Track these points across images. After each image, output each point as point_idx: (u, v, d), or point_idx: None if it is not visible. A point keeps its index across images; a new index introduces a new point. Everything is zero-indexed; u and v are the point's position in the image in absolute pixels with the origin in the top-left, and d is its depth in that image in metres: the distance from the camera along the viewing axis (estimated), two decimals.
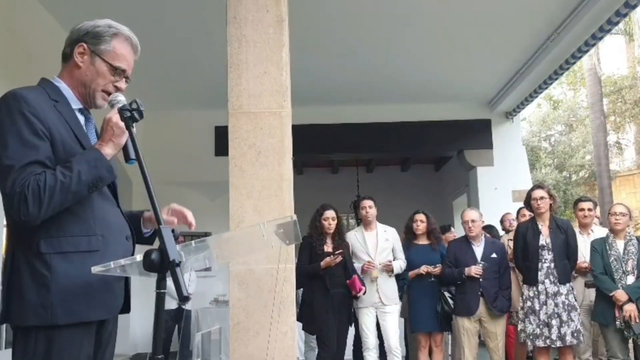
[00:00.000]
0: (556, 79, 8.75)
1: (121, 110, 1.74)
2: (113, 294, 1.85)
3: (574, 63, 8.21)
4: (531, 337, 4.74)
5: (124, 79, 1.93)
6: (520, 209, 6.04)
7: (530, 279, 4.80)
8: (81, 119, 1.91)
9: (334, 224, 5.19)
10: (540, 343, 4.70)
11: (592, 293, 5.10)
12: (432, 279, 5.42)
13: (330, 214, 5.20)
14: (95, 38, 1.89)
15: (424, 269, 5.39)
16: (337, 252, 5.05)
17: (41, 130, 1.71)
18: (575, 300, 4.80)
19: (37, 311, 1.68)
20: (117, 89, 1.91)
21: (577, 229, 5.33)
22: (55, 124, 1.76)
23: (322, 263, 5.00)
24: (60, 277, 1.70)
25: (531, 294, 4.78)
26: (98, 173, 1.73)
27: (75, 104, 1.90)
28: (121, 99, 1.84)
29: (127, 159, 1.78)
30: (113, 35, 1.91)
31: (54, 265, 1.70)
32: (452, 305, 5.29)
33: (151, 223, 2.04)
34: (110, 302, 1.85)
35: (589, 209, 5.33)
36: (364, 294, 5.12)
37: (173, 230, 1.58)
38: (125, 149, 1.78)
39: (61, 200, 1.68)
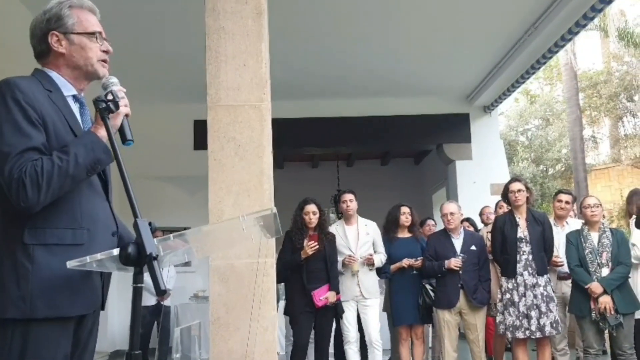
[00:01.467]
0: (533, 73, 8.83)
1: (96, 102, 1.73)
2: (94, 289, 1.83)
3: (551, 58, 8.28)
4: (511, 328, 4.79)
5: (105, 42, 1.94)
6: (498, 201, 6.12)
7: (509, 271, 4.85)
8: (75, 107, 1.90)
9: (315, 218, 5.17)
10: (519, 334, 4.75)
11: (564, 285, 5.20)
12: (414, 271, 5.46)
13: (311, 208, 5.18)
14: (58, 20, 1.88)
15: (405, 262, 5.42)
16: (311, 243, 5.03)
17: (35, 118, 1.71)
18: (553, 291, 4.87)
19: (16, 303, 1.65)
20: (106, 52, 1.93)
21: (552, 221, 5.42)
22: (49, 113, 1.76)
23: (302, 253, 4.99)
24: (42, 269, 1.67)
25: (510, 286, 4.83)
26: (95, 155, 1.73)
27: (68, 91, 1.90)
28: (114, 80, 1.84)
29: (124, 140, 1.79)
30: (69, 7, 1.90)
31: (36, 256, 1.68)
32: (433, 298, 5.32)
33: None
34: (92, 297, 1.82)
35: (567, 202, 5.47)
36: (330, 304, 5.07)
37: (150, 223, 1.56)
38: (121, 131, 1.78)
39: (60, 185, 1.67)
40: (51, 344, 1.70)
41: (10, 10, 5.88)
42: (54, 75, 1.89)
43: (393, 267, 5.51)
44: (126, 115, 1.81)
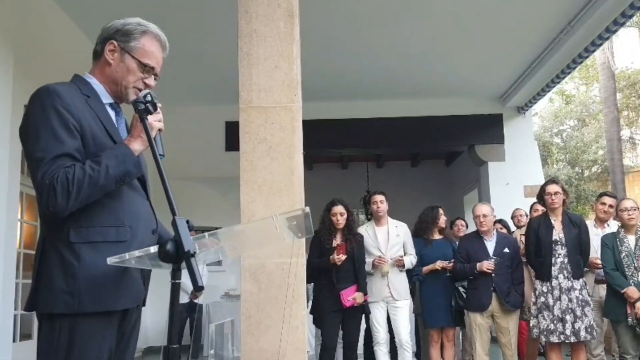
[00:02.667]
0: (569, 73, 8.67)
1: (135, 103, 1.78)
2: (137, 284, 1.89)
3: (587, 57, 8.13)
4: (545, 332, 4.71)
5: (152, 76, 1.98)
6: (533, 204, 6.01)
7: (544, 274, 4.77)
8: (112, 113, 1.95)
9: (342, 219, 5.17)
10: (554, 339, 4.67)
11: (602, 289, 5.08)
12: (447, 274, 5.43)
13: (338, 209, 5.18)
14: (126, 36, 1.94)
15: (439, 264, 5.38)
16: (339, 244, 5.03)
17: (72, 124, 1.76)
18: (589, 295, 4.78)
19: (64, 298, 1.71)
20: (147, 86, 1.96)
21: (592, 222, 5.34)
22: (87, 118, 1.81)
23: (330, 260, 5.01)
24: (88, 266, 1.74)
25: (545, 289, 4.75)
26: (126, 168, 1.78)
27: (106, 99, 1.95)
28: (146, 92, 1.88)
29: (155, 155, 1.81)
30: (142, 32, 1.95)
31: (82, 254, 1.74)
32: (466, 300, 5.28)
33: None
34: (135, 292, 1.89)
35: (610, 205, 5.30)
36: (357, 304, 5.06)
37: (188, 221, 1.59)
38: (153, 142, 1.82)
39: (89, 194, 1.72)
40: (97, 337, 1.76)
41: (51, 17, 6.06)
42: (93, 82, 1.95)
43: (425, 269, 5.48)
44: (159, 130, 1.84)
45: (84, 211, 1.75)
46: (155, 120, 1.83)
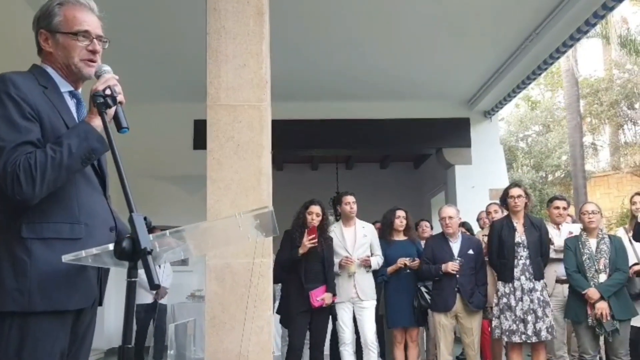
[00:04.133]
0: (534, 79, 8.84)
1: (93, 96, 1.73)
2: (90, 283, 1.83)
3: (552, 64, 8.30)
4: (507, 333, 4.79)
5: (94, 40, 1.89)
6: (489, 204, 6.07)
7: (506, 276, 4.85)
8: (72, 103, 1.90)
9: (317, 219, 5.18)
10: (516, 339, 4.75)
11: (566, 289, 5.18)
12: (408, 270, 5.46)
13: (316, 209, 5.20)
14: (47, 18, 1.88)
15: (401, 261, 5.42)
16: (310, 237, 5.04)
17: (30, 113, 1.71)
18: (549, 296, 4.88)
19: (14, 296, 1.65)
20: (93, 52, 1.88)
21: (550, 225, 5.45)
22: (44, 109, 1.76)
23: (300, 249, 5.00)
24: (39, 263, 1.68)
25: (507, 290, 4.83)
26: (89, 144, 1.72)
27: (65, 87, 1.89)
28: (106, 68, 1.83)
29: (119, 128, 1.77)
30: (59, 5, 1.88)
31: (34, 250, 1.68)
32: (429, 300, 5.33)
33: None
34: (89, 291, 1.83)
35: (564, 207, 5.46)
36: (325, 305, 5.09)
37: (145, 218, 1.56)
38: (116, 118, 1.77)
39: (55, 177, 1.67)
40: (49, 337, 1.70)
41: (11, 7, 5.89)
42: (50, 70, 1.89)
43: (390, 269, 5.51)
44: (120, 103, 1.78)
45: (37, 206, 1.69)
46: (113, 84, 1.77)
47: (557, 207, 5.49)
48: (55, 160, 1.66)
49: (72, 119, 1.86)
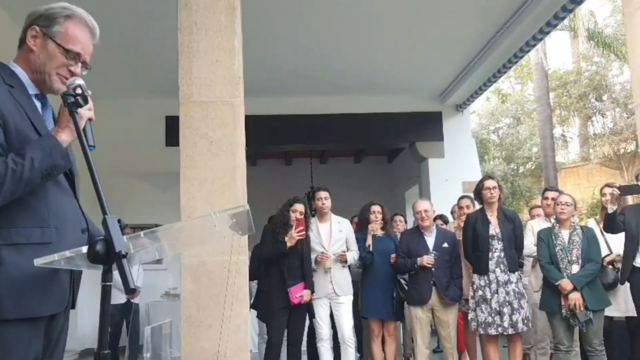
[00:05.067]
0: (504, 72, 8.95)
1: (64, 96, 1.68)
2: (63, 288, 1.78)
3: (522, 57, 8.41)
4: (483, 325, 4.84)
5: (80, 64, 1.86)
6: (461, 199, 6.06)
7: (481, 268, 4.90)
8: (38, 105, 1.83)
9: (300, 218, 5.19)
10: (492, 331, 4.80)
11: None
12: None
13: (299, 207, 5.20)
14: (48, 20, 1.82)
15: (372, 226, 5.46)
16: (298, 229, 5.04)
17: None
18: (524, 288, 4.94)
19: None
20: (72, 74, 1.83)
21: (541, 218, 5.54)
22: (10, 109, 1.68)
23: (288, 242, 5.00)
24: (10, 269, 1.62)
25: (482, 283, 4.88)
26: (52, 161, 1.66)
27: (32, 90, 1.83)
28: (80, 82, 1.76)
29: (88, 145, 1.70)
30: (67, 17, 1.84)
31: (4, 257, 1.62)
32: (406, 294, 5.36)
33: None
34: (62, 296, 1.78)
35: (553, 198, 5.49)
36: (304, 302, 5.11)
37: (119, 220, 1.52)
38: (83, 135, 1.71)
39: (12, 189, 1.60)
40: (22, 344, 1.65)
41: None
42: (18, 71, 1.83)
43: (367, 240, 5.51)
44: (89, 120, 1.73)
45: (4, 211, 1.63)
46: (84, 110, 1.72)
47: (547, 198, 5.54)
48: (15, 172, 1.60)
49: (40, 120, 1.80)
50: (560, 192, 5.45)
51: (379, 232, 5.53)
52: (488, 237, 4.90)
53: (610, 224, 4.91)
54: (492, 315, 4.79)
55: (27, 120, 1.74)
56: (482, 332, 4.91)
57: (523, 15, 6.77)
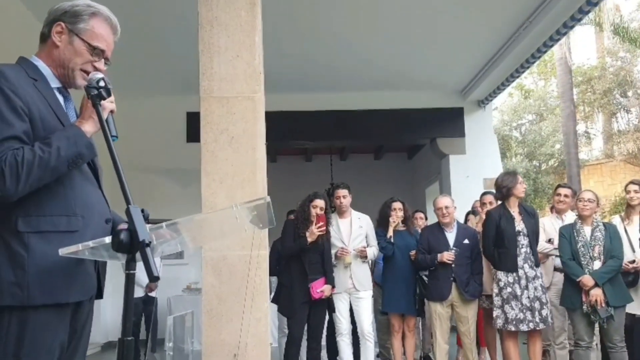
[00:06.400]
0: (527, 67, 8.84)
1: (88, 88, 1.72)
2: (89, 276, 1.82)
3: (545, 52, 8.30)
4: (514, 322, 4.75)
5: (102, 60, 1.91)
6: (483, 195, 6.04)
7: (509, 265, 4.81)
8: (60, 98, 1.88)
9: (321, 213, 5.20)
10: (524, 327, 4.74)
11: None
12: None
13: (320, 203, 5.20)
14: (74, 17, 1.87)
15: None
16: (319, 225, 5.06)
17: (20, 106, 1.69)
18: (548, 284, 4.93)
19: (12, 290, 1.64)
20: (96, 69, 1.88)
21: (553, 213, 5.55)
22: (35, 101, 1.73)
23: (309, 237, 5.01)
24: (37, 256, 1.66)
25: (510, 280, 4.80)
26: (77, 149, 1.71)
27: (54, 83, 1.88)
28: (101, 76, 1.81)
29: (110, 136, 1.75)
30: (92, 14, 1.89)
31: (31, 244, 1.67)
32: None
33: None
34: (88, 284, 1.82)
35: (565, 195, 5.50)
36: (325, 297, 5.12)
37: (143, 210, 1.54)
38: (106, 126, 1.76)
39: (39, 176, 1.65)
40: (48, 331, 1.69)
41: (8, 8, 5.83)
42: (40, 65, 1.87)
43: (389, 232, 5.48)
44: (111, 112, 1.78)
45: (33, 199, 1.68)
46: (107, 102, 1.77)
47: (559, 194, 5.54)
48: (43, 160, 1.64)
49: (63, 112, 1.85)
50: (573, 190, 5.44)
51: (401, 227, 5.50)
52: (514, 233, 4.85)
53: None
54: (524, 311, 4.74)
55: (52, 112, 1.78)
56: (513, 329, 4.81)
57: (547, 10, 6.68)
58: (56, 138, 1.69)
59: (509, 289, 4.81)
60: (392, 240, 5.49)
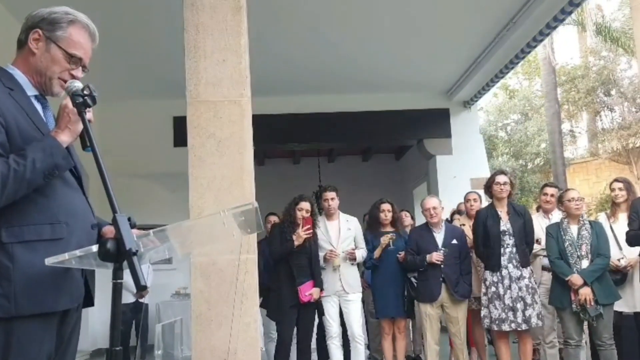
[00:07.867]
0: (512, 68, 8.91)
1: (73, 96, 1.70)
2: (76, 283, 1.80)
3: (529, 52, 8.38)
4: (496, 322, 4.81)
5: (80, 68, 1.89)
6: (468, 193, 6.09)
7: (494, 264, 4.87)
8: (38, 106, 1.85)
9: (307, 216, 5.20)
10: (505, 327, 4.78)
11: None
12: (392, 248, 5.48)
13: (305, 205, 5.21)
14: (51, 24, 1.85)
15: (384, 239, 5.42)
16: (306, 227, 5.05)
17: None
18: (535, 283, 4.93)
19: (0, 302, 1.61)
20: (73, 77, 1.86)
21: (540, 212, 5.56)
22: (11, 111, 1.70)
23: (295, 240, 5.01)
24: (23, 266, 1.64)
25: (495, 279, 4.85)
26: (53, 161, 1.68)
27: (31, 91, 1.85)
28: (78, 85, 1.78)
29: (84, 146, 1.74)
30: (70, 22, 1.86)
31: (16, 255, 1.64)
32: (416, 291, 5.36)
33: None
34: (75, 291, 1.80)
35: (552, 195, 5.55)
36: (313, 300, 5.13)
37: (129, 218, 1.53)
38: (82, 136, 1.74)
39: (15, 189, 1.62)
40: (35, 341, 1.67)
41: None
42: (16, 73, 1.85)
43: (376, 252, 5.48)
44: (89, 121, 1.75)
45: (15, 209, 1.65)
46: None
47: (545, 194, 5.59)
48: (17, 173, 1.61)
49: (41, 120, 1.82)
50: (558, 188, 5.48)
51: (392, 245, 5.49)
52: (499, 233, 4.88)
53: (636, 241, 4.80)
54: (506, 311, 4.77)
55: (29, 121, 1.75)
56: (495, 329, 4.88)
57: (530, 10, 6.74)
58: (31, 150, 1.66)
59: (493, 289, 4.86)
60: (377, 262, 5.52)
